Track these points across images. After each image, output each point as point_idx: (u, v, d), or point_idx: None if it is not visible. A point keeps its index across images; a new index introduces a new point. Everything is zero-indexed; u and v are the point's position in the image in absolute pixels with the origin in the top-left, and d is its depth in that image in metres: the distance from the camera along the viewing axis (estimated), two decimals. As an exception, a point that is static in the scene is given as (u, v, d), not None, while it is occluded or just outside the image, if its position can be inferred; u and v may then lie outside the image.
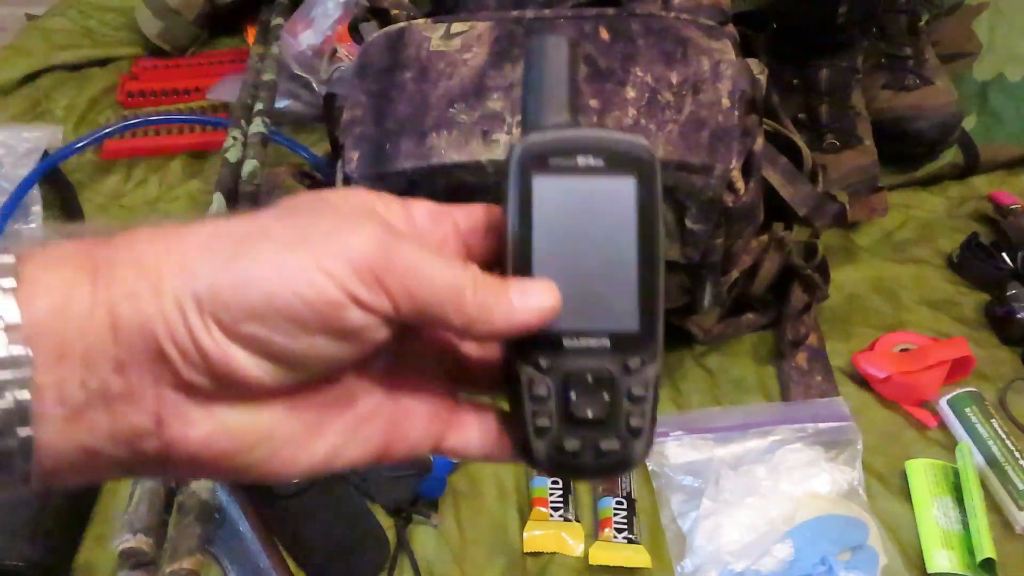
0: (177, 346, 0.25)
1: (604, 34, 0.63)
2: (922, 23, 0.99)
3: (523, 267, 0.30)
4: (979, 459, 0.67)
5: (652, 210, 0.31)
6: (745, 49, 0.65)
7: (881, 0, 0.93)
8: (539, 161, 0.31)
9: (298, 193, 0.31)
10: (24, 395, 0.24)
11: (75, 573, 0.62)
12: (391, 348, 0.29)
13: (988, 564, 0.60)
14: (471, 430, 0.32)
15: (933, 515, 0.63)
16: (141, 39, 1.27)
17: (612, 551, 0.62)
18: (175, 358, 0.26)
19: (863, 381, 0.75)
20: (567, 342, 0.31)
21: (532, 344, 0.30)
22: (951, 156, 1.00)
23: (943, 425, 0.71)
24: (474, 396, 0.33)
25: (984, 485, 0.65)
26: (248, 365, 0.26)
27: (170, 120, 1.07)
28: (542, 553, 0.63)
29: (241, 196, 0.82)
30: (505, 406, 0.33)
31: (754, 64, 0.64)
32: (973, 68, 1.05)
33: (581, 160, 0.31)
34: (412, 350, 0.31)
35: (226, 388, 0.26)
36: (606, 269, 0.31)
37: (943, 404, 0.71)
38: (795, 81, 0.92)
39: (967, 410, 0.70)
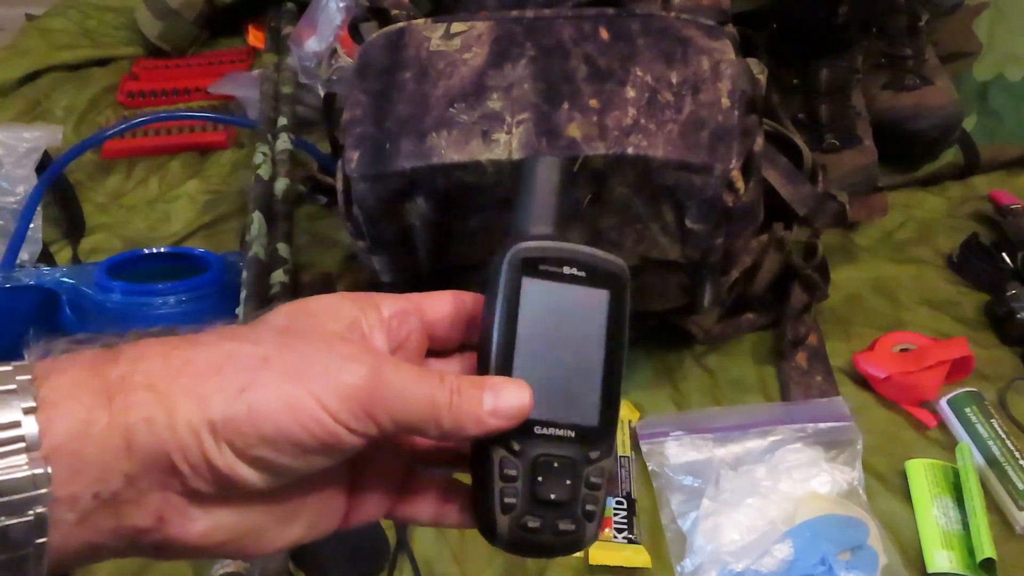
0: (189, 464, 0.29)
1: (604, 34, 0.63)
2: (922, 23, 0.99)
3: (506, 358, 0.33)
4: (979, 459, 0.67)
5: (620, 321, 0.35)
6: (745, 49, 0.65)
7: (881, 0, 0.93)
8: (531, 266, 0.34)
9: (278, 307, 0.34)
10: (43, 510, 0.27)
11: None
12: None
13: (988, 564, 0.60)
14: (422, 501, 0.36)
15: (933, 515, 0.63)
16: (141, 39, 1.27)
17: (612, 551, 0.62)
18: (186, 473, 0.29)
19: (863, 381, 0.75)
20: (537, 430, 0.33)
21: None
22: (951, 156, 1.00)
23: (943, 425, 0.71)
24: (428, 469, 0.37)
25: (984, 485, 0.65)
26: (250, 477, 0.30)
27: (193, 116, 1.08)
28: (542, 553, 0.63)
29: (277, 215, 0.87)
30: (458, 478, 0.36)
31: (754, 64, 0.64)
32: (973, 68, 1.05)
33: (567, 270, 0.35)
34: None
35: (225, 492, 0.30)
36: (576, 368, 0.35)
37: (943, 404, 0.71)
38: (795, 81, 0.93)
39: (967, 410, 0.70)
